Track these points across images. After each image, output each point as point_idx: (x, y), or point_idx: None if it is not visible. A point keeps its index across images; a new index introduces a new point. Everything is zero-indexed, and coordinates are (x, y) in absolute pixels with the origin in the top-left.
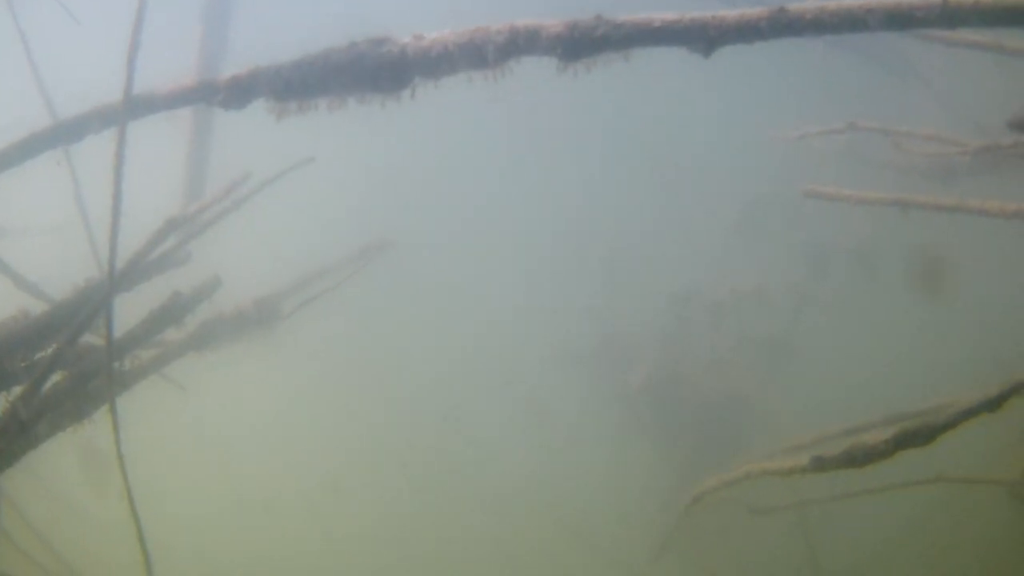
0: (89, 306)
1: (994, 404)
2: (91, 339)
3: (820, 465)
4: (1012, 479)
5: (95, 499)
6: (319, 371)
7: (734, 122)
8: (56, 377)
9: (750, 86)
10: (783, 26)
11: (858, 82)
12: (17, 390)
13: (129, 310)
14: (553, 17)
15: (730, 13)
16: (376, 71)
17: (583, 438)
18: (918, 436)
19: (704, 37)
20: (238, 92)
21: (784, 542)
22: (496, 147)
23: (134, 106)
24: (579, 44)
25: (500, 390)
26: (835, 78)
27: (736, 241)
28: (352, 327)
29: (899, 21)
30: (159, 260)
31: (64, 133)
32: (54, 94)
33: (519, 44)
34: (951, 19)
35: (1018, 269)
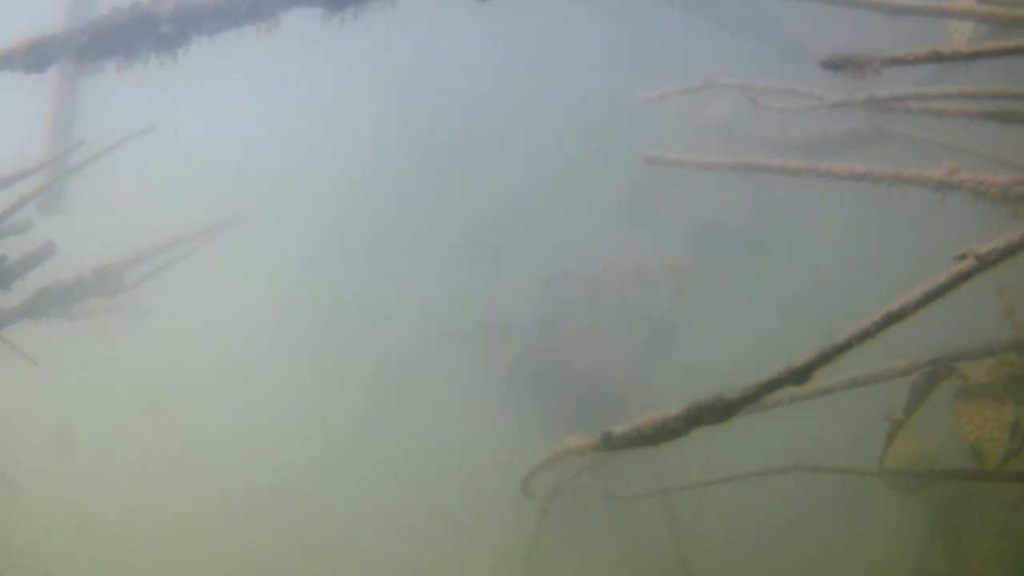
0: None
1: (801, 376)
2: None
3: (609, 443)
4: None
5: None
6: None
7: (616, 100)
8: None
9: (628, 56)
10: None
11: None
12: None
13: None
14: None
15: None
16: (146, 30)
17: (453, 419)
18: (713, 411)
19: None
20: (36, 57)
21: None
22: (367, 124)
23: None
24: None
25: (372, 373)
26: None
27: (619, 221)
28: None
29: None
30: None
31: None
32: None
33: None
34: None
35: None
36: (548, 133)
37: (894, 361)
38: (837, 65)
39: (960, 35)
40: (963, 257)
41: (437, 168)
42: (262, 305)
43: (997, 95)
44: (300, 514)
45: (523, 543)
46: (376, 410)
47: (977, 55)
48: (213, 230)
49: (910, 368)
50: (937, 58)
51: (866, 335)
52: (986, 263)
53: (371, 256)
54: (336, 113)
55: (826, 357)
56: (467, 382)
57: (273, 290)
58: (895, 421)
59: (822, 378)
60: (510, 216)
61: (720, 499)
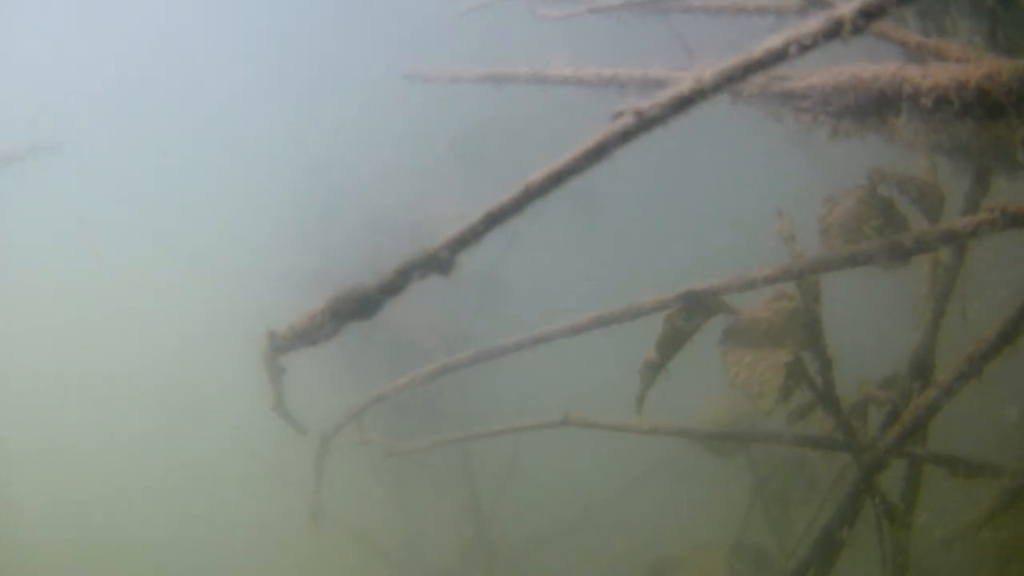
0: None
1: (444, 264)
2: None
3: (275, 344)
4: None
5: None
6: None
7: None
8: None
9: None
10: None
11: None
12: None
13: None
14: None
15: None
16: None
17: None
18: (360, 303)
19: None
20: None
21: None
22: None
23: None
24: None
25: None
26: None
27: (444, 169)
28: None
29: None
30: None
31: None
32: None
33: None
34: None
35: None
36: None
37: (640, 298)
38: None
39: None
40: (620, 115)
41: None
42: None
43: None
44: None
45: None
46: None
47: None
48: (17, 157)
49: (660, 305)
50: None
51: (505, 214)
52: (648, 120)
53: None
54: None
55: (462, 242)
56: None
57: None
58: (649, 362)
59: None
60: (343, 163)
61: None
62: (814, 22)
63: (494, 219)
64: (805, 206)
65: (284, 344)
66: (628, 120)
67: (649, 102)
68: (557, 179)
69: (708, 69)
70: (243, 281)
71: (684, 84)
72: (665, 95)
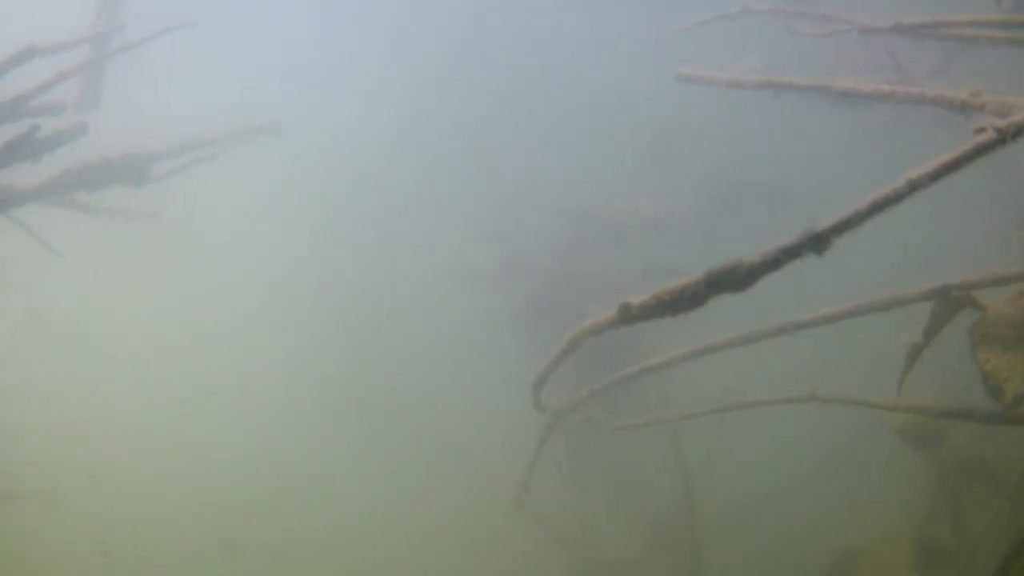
0: None
1: (820, 242)
2: None
3: (628, 314)
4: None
5: None
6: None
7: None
8: None
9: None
10: None
11: None
12: None
13: None
14: None
15: None
16: None
17: (472, 357)
18: (733, 277)
19: None
20: None
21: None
22: (397, 51)
23: None
24: None
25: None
26: None
27: (643, 167)
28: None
29: None
30: (29, 100)
31: None
32: None
33: None
34: None
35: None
36: (575, 73)
37: (904, 288)
38: None
39: None
40: (982, 131)
41: (458, 100)
42: (278, 223)
43: None
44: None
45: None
46: (386, 347)
47: None
48: (242, 135)
49: (920, 296)
50: None
51: (887, 203)
52: (1004, 137)
53: (387, 185)
54: (370, 35)
55: (846, 225)
56: (479, 321)
57: (288, 208)
58: (914, 345)
59: (828, 306)
60: (532, 152)
61: (729, 449)
62: None
63: (877, 207)
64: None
65: (639, 314)
66: (989, 135)
67: (1005, 121)
68: (933, 180)
69: None
70: (419, 275)
71: None
72: (1019, 117)
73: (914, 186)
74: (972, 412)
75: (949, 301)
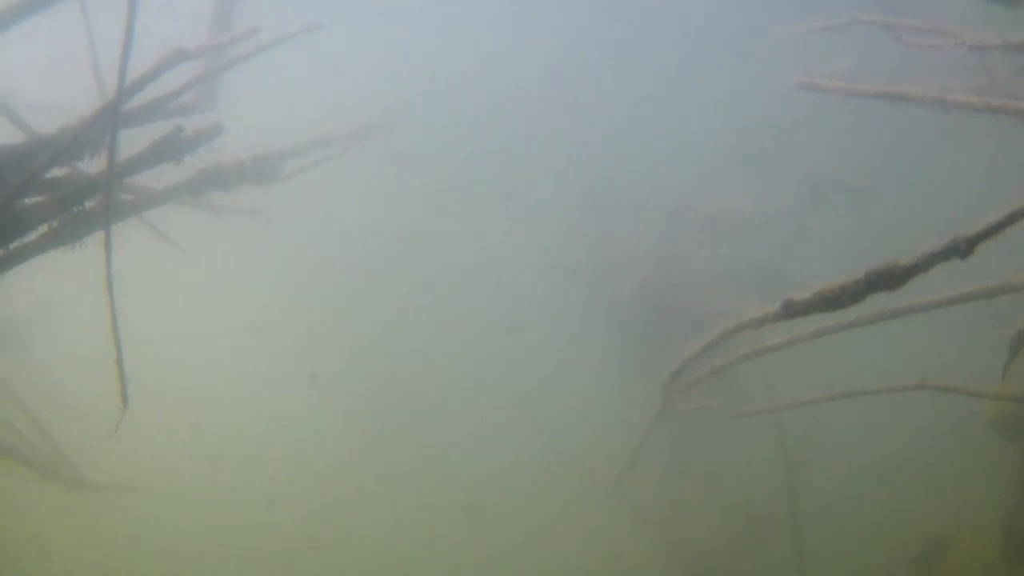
0: (93, 127)
1: (967, 246)
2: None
3: (791, 309)
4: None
5: None
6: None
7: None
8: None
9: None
10: None
11: None
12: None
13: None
14: None
15: None
16: None
17: (573, 350)
18: (889, 276)
19: None
20: None
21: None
22: (497, 52)
23: None
24: None
25: (492, 300)
26: None
27: (735, 164)
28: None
29: None
30: (170, 101)
31: None
32: None
33: None
34: None
35: None
36: (671, 75)
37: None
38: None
39: None
40: None
41: (557, 101)
42: (383, 216)
43: None
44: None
45: (624, 466)
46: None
47: None
48: (359, 135)
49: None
50: None
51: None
52: None
53: (490, 183)
54: (473, 39)
55: (992, 230)
56: (579, 313)
57: (395, 200)
58: (1019, 333)
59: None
60: (627, 153)
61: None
62: None
63: (1016, 216)
64: None
65: (801, 309)
66: None
67: None
68: None
69: None
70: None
71: None
72: None
73: None
74: None
75: None
